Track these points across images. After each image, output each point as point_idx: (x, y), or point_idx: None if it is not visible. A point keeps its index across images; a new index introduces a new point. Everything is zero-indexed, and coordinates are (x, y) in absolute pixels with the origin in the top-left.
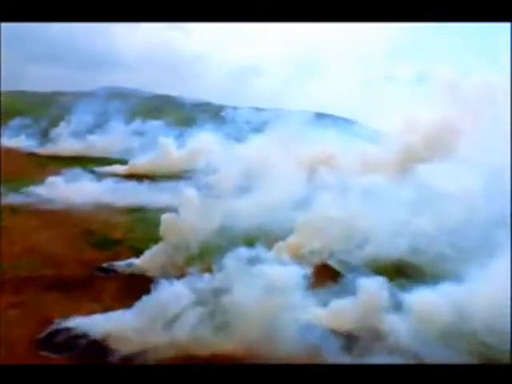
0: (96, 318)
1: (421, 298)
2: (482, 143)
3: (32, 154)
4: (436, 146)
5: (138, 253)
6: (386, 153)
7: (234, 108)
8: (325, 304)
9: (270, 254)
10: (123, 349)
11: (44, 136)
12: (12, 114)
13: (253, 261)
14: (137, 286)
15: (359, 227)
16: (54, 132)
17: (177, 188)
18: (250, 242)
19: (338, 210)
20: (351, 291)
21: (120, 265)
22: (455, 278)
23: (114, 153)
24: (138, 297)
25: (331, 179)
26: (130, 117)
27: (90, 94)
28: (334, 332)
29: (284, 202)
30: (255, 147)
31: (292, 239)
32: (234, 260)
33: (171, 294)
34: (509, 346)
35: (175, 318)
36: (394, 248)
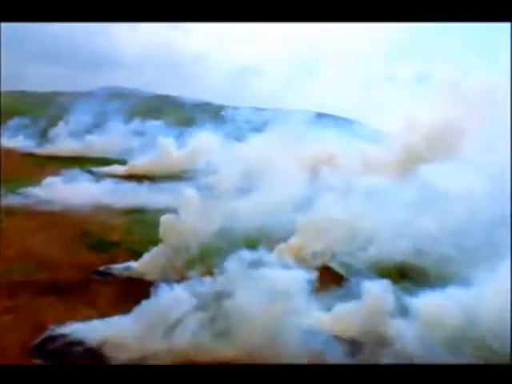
0: (92, 324)
1: (427, 301)
2: (484, 143)
3: (30, 155)
4: (437, 145)
5: (136, 255)
6: (388, 153)
7: (234, 108)
8: (328, 308)
9: (273, 257)
10: (121, 356)
11: (42, 136)
12: (11, 114)
13: (255, 264)
14: (135, 291)
15: (362, 228)
16: (52, 132)
17: (176, 189)
18: (251, 244)
19: (340, 211)
20: (355, 295)
21: (117, 268)
22: (461, 280)
23: (113, 153)
24: (136, 301)
25: (333, 180)
26: (130, 117)
27: (89, 94)
28: (338, 337)
29: (285, 203)
30: (256, 147)
31: (294, 241)
32: (235, 263)
33: (171, 299)
34: None
35: (175, 324)
36: (397, 249)
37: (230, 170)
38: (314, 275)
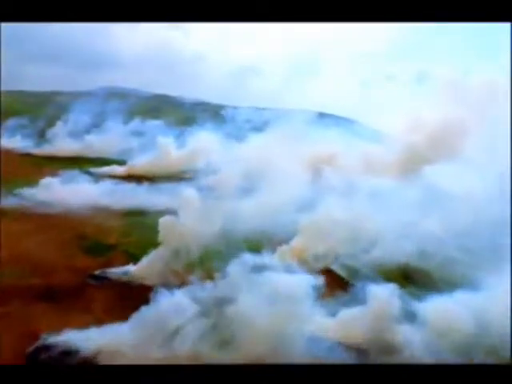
0: (87, 332)
1: (435, 306)
2: (487, 143)
3: (28, 155)
4: (439, 145)
5: (133, 259)
6: (389, 153)
7: (235, 107)
8: (333, 314)
9: (276, 261)
10: None
11: (41, 136)
12: (10, 114)
13: (258, 268)
14: (132, 296)
15: (365, 230)
16: (50, 132)
17: (176, 189)
18: (252, 246)
19: (343, 212)
20: (360, 300)
21: (114, 272)
22: (469, 284)
23: (112, 153)
24: (133, 308)
25: (335, 180)
26: (129, 117)
27: (88, 94)
28: (344, 344)
29: (287, 204)
30: (256, 147)
31: (296, 243)
32: (237, 267)
33: (171, 305)
34: None
35: (175, 332)
36: (401, 251)
37: (230, 171)
38: (320, 280)
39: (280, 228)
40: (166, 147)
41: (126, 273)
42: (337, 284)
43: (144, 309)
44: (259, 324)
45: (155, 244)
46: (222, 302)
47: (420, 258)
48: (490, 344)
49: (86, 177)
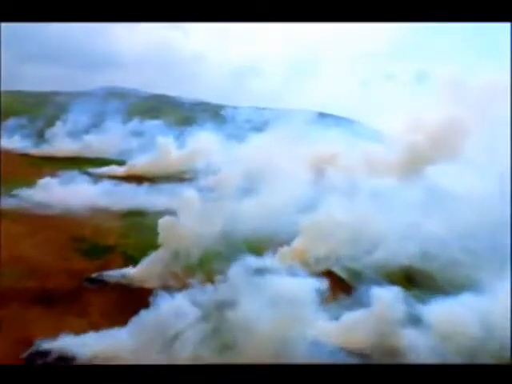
0: (84, 338)
1: (441, 309)
2: (488, 143)
3: (26, 155)
4: (441, 145)
5: (132, 261)
6: (391, 153)
7: (235, 107)
8: (335, 318)
9: (278, 263)
10: None
11: (40, 136)
12: (9, 114)
13: (260, 271)
14: (131, 300)
15: (367, 231)
16: (49, 132)
17: (176, 190)
18: (253, 248)
19: (345, 213)
20: (363, 303)
21: (112, 275)
22: (474, 286)
23: (112, 153)
24: (131, 312)
25: (337, 180)
26: (128, 117)
27: (87, 94)
28: (347, 349)
29: (288, 205)
30: (257, 147)
31: (297, 244)
32: (239, 270)
33: (171, 309)
34: None
35: (175, 337)
36: (404, 253)
37: (230, 171)
38: (324, 284)
39: (281, 229)
40: (166, 147)
41: (124, 275)
42: (339, 287)
43: (143, 313)
44: (261, 328)
45: (154, 246)
46: (222, 306)
47: (423, 259)
48: (496, 348)
49: (85, 177)
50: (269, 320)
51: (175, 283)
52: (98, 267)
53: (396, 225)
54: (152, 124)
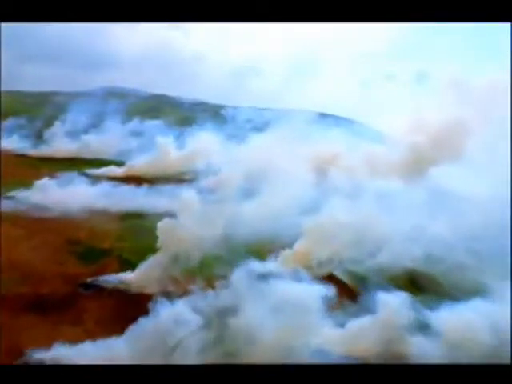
0: (79, 347)
1: (450, 316)
2: (492, 143)
3: (24, 156)
4: (444, 146)
5: (130, 266)
6: (393, 153)
7: (235, 107)
8: (340, 325)
9: (283, 268)
10: None
11: (38, 137)
12: (9, 114)
13: (263, 276)
14: (128, 307)
15: (371, 233)
16: (48, 132)
17: (176, 191)
18: (254, 251)
19: (348, 215)
20: (369, 309)
21: (109, 280)
22: (483, 291)
23: (110, 154)
24: (129, 320)
25: (339, 181)
26: (128, 117)
27: (87, 94)
28: (352, 358)
29: (290, 206)
30: (258, 147)
31: (299, 246)
32: (241, 275)
33: (171, 316)
34: None
35: (176, 346)
36: (409, 255)
37: (231, 172)
38: (331, 290)
39: (283, 231)
40: (166, 147)
41: (121, 281)
42: (343, 292)
43: (142, 320)
44: (264, 336)
45: (153, 249)
46: (224, 313)
47: (427, 262)
48: (508, 355)
49: (83, 178)
50: (272, 328)
51: (175, 288)
52: (93, 272)
53: (400, 227)
54: (151, 124)
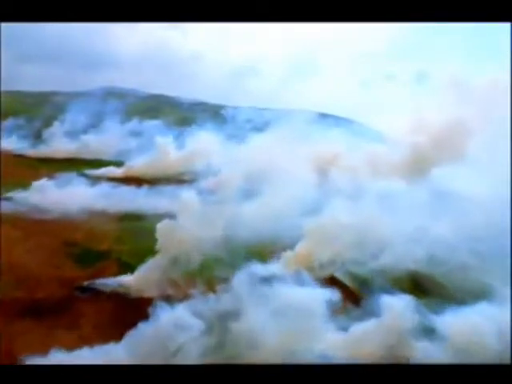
0: (76, 353)
1: (456, 320)
2: (494, 143)
3: (22, 157)
4: (445, 146)
5: (128, 268)
6: (394, 154)
7: (235, 107)
8: (343, 329)
9: (284, 270)
10: None
11: (37, 137)
12: (8, 114)
13: (266, 279)
14: (127, 311)
15: (373, 234)
16: (47, 133)
17: (175, 192)
18: (255, 253)
19: (350, 216)
20: (372, 312)
21: (107, 283)
22: (487, 293)
23: (109, 154)
24: (128, 324)
25: (341, 182)
26: (127, 117)
27: (86, 94)
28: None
29: (291, 207)
30: (258, 147)
31: (300, 248)
32: (243, 278)
33: (171, 321)
34: None
35: (177, 351)
36: (411, 257)
37: (231, 172)
38: (335, 294)
39: (284, 232)
40: (165, 148)
41: (119, 284)
42: (346, 296)
43: (141, 325)
44: (267, 341)
45: (152, 251)
46: (226, 317)
47: (431, 263)
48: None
49: (82, 179)
50: (275, 332)
51: (175, 292)
52: (91, 275)
53: (402, 228)
54: (151, 124)
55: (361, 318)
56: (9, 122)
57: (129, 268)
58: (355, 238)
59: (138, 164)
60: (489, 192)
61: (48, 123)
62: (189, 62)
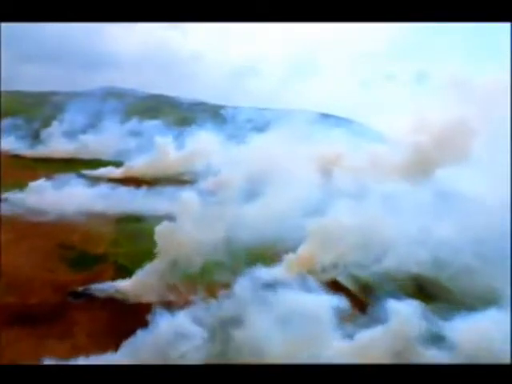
0: (70, 363)
1: (465, 326)
2: (497, 144)
3: (20, 157)
4: (448, 147)
5: (126, 272)
6: (396, 154)
7: (235, 107)
8: (349, 336)
9: (287, 273)
10: None
11: (35, 137)
12: (7, 114)
13: (270, 285)
14: (124, 318)
15: (376, 235)
16: (45, 133)
17: (175, 193)
18: (257, 255)
19: (353, 217)
20: (379, 319)
21: (103, 289)
22: (494, 297)
23: (108, 154)
24: (125, 332)
25: (344, 183)
26: (126, 116)
27: (85, 94)
28: None
29: (293, 208)
30: (259, 148)
31: (303, 250)
32: (246, 283)
33: (171, 329)
34: None
35: (177, 361)
36: (415, 259)
37: (232, 173)
38: (342, 301)
39: (286, 234)
40: (164, 148)
41: (116, 289)
42: (351, 301)
43: (140, 333)
44: (271, 349)
45: (150, 254)
46: (228, 324)
47: (435, 266)
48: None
49: (81, 180)
50: (279, 340)
51: (175, 297)
52: (86, 279)
53: (406, 229)
54: (150, 124)
55: (367, 325)
56: (7, 122)
57: (126, 272)
58: (358, 240)
59: (137, 164)
60: (492, 193)
61: (47, 123)
62: (189, 62)
